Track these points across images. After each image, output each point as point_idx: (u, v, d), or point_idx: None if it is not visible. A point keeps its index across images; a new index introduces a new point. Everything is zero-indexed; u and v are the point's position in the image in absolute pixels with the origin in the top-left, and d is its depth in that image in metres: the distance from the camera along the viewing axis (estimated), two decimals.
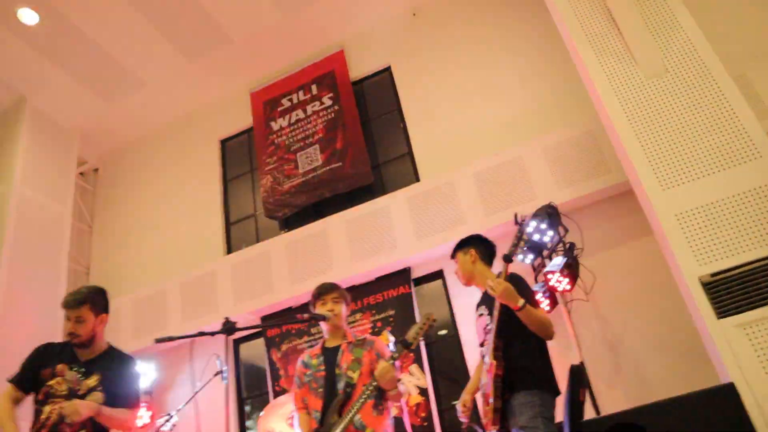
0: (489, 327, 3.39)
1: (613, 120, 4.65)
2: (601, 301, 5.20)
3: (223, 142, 8.04)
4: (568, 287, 4.86)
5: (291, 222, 7.10)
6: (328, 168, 6.90)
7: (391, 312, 5.99)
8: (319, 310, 3.56)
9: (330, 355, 3.50)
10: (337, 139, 7.01)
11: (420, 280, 6.20)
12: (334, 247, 6.25)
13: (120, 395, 3.24)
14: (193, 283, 6.83)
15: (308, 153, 7.11)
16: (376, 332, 5.99)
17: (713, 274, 3.95)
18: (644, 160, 4.45)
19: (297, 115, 7.42)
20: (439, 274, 6.13)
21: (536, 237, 5.13)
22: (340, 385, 3.34)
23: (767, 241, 3.94)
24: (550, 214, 5.09)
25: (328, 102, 7.27)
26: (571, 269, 4.86)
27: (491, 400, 3.20)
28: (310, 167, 7.01)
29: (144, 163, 8.37)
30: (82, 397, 3.13)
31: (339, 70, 7.37)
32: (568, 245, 4.97)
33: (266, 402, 6.25)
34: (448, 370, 5.80)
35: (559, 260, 4.92)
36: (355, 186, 6.76)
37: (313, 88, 7.46)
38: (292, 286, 6.28)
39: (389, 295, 6.07)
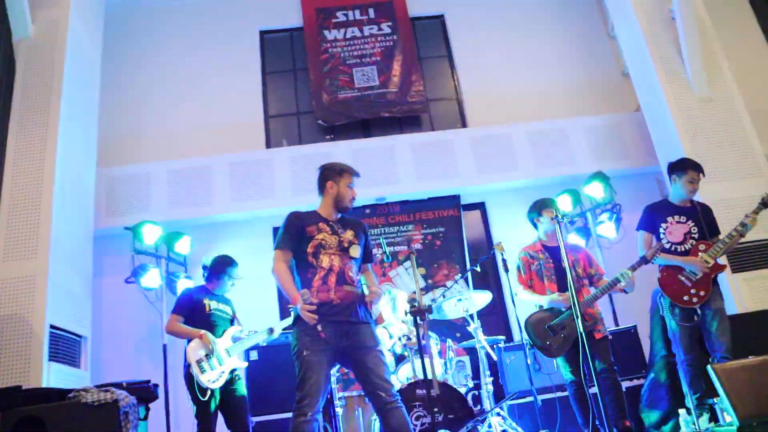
0: (693, 234, 4.53)
1: (677, 126, 6.40)
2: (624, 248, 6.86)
3: (263, 34, 8.05)
4: (614, 233, 6.57)
5: (336, 131, 7.62)
6: (385, 90, 7.58)
7: (441, 229, 7.08)
8: (546, 216, 4.66)
9: (553, 253, 4.64)
10: (393, 67, 7.70)
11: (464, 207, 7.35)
12: (400, 163, 7.04)
13: (369, 249, 3.85)
14: (245, 165, 6.99)
15: (365, 71, 7.67)
16: (427, 244, 7.04)
17: None
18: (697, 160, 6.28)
19: (353, 32, 7.87)
20: (481, 205, 7.39)
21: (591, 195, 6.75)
22: (571, 275, 4.53)
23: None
24: (606, 178, 6.71)
25: (386, 29, 7.88)
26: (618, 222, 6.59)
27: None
28: (367, 85, 7.60)
29: (159, 30, 7.92)
30: (347, 248, 3.65)
31: (398, 2, 7.99)
32: (616, 205, 6.64)
33: None
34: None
35: (609, 214, 6.59)
36: (410, 113, 7.59)
37: (371, 11, 7.97)
38: (359, 190, 6.90)
39: (440, 215, 7.13)
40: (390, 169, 7.03)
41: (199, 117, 7.51)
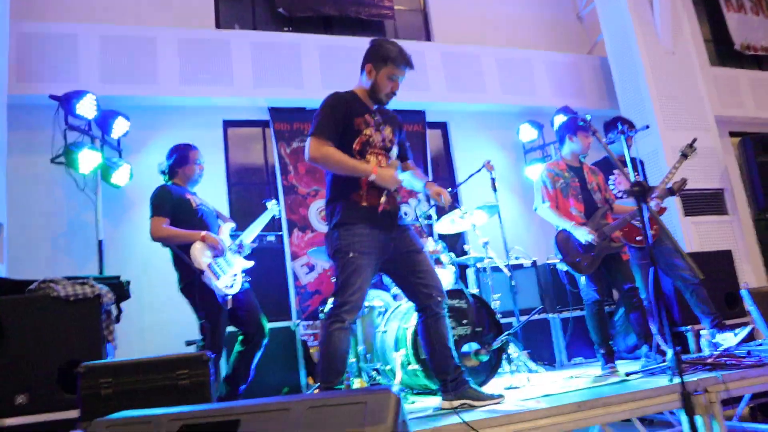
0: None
1: (646, 73, 6.62)
2: None
3: None
4: None
5: (294, 23, 6.81)
6: None
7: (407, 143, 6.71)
8: (581, 140, 4.56)
9: (578, 172, 4.56)
10: None
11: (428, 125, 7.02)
12: None
13: (405, 145, 3.49)
14: (197, 44, 5.98)
15: None
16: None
17: None
18: (660, 107, 6.58)
19: None
20: (444, 125, 7.12)
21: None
22: (597, 197, 4.49)
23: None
24: (573, 113, 6.79)
25: None
26: None
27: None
28: None
29: None
30: (390, 148, 3.28)
31: None
32: None
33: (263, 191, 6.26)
34: None
35: None
36: (376, 17, 7.01)
37: None
38: (324, 90, 6.26)
39: (405, 129, 6.70)
40: (358, 71, 6.43)
41: None
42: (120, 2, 6.13)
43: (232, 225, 4.22)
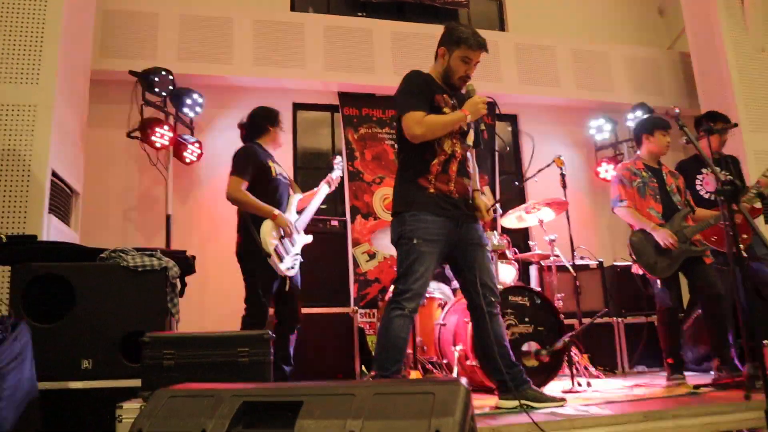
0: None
1: (731, 71, 6.25)
2: None
3: None
4: None
5: (369, 8, 6.79)
6: None
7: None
8: (659, 139, 4.35)
9: (656, 173, 4.35)
10: None
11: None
12: None
13: (479, 133, 3.35)
14: (271, 26, 6.03)
15: None
16: None
17: None
18: (745, 108, 6.20)
19: None
20: (514, 118, 6.96)
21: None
22: (676, 199, 4.27)
23: None
24: (651, 110, 6.51)
25: None
26: None
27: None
28: None
29: None
30: (466, 133, 3.18)
31: None
32: None
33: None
34: None
35: None
36: (450, 5, 6.88)
37: None
38: (396, 77, 6.21)
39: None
40: (429, 59, 6.36)
41: None
42: None
43: (299, 196, 4.14)
